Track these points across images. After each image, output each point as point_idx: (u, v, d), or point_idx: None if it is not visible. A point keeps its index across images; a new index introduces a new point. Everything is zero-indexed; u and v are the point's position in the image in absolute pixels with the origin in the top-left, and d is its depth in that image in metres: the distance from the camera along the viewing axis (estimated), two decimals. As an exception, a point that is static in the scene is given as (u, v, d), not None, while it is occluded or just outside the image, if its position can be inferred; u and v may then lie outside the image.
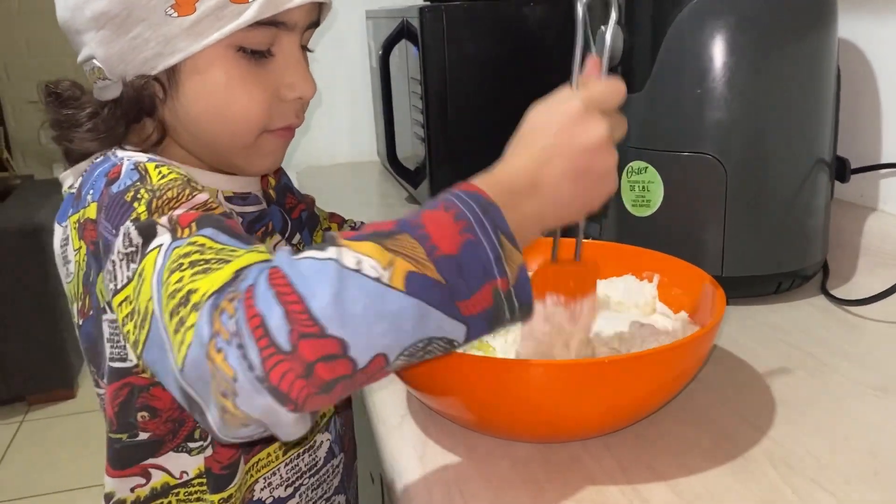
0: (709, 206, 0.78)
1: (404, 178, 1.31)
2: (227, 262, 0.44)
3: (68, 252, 0.62)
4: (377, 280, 0.40)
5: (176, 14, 0.56)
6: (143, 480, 0.62)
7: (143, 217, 0.50)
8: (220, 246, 0.46)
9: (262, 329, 0.39)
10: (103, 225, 0.54)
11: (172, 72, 0.59)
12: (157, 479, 0.63)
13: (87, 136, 0.61)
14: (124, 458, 0.62)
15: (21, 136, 3.42)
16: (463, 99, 1.16)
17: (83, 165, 0.63)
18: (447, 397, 0.58)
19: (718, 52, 0.75)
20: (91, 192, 0.57)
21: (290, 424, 0.41)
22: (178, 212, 0.50)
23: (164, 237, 0.48)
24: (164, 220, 0.49)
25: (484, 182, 0.47)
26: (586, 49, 0.54)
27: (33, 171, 3.42)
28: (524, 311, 0.46)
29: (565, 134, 0.49)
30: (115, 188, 0.54)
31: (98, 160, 0.61)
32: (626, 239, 0.82)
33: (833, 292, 0.82)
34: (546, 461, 0.54)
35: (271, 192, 0.77)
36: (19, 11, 3.34)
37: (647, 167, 0.80)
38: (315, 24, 0.64)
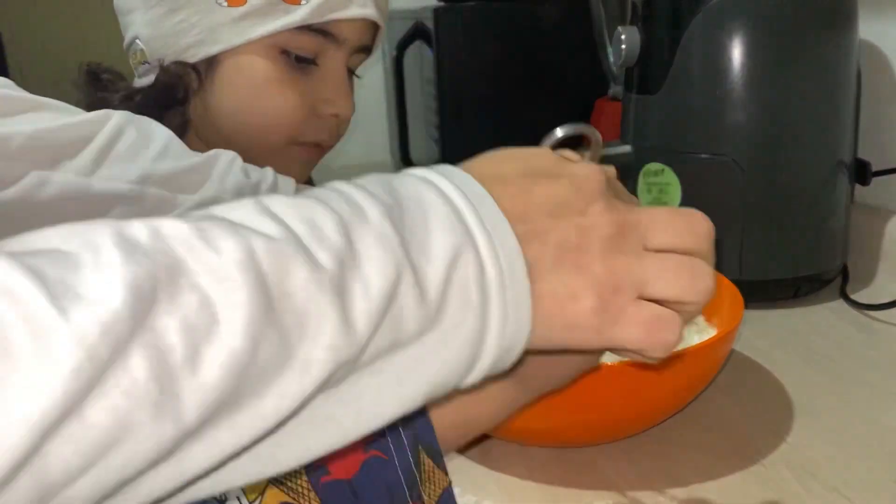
0: (726, 208, 0.77)
1: (418, 178, 1.31)
2: None
3: None
4: None
5: (226, 3, 0.56)
6: None
7: None
8: None
9: None
10: None
11: (211, 62, 0.58)
12: None
13: None
14: None
15: (37, 136, 3.46)
16: (477, 99, 1.16)
17: None
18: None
19: (737, 53, 0.74)
20: None
21: None
22: None
23: None
24: None
25: None
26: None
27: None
28: None
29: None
30: None
31: None
32: (642, 241, 0.81)
33: (853, 297, 0.81)
34: (562, 466, 0.54)
35: None
36: (36, 13, 3.37)
37: (664, 169, 0.79)
38: (367, 49, 0.63)
